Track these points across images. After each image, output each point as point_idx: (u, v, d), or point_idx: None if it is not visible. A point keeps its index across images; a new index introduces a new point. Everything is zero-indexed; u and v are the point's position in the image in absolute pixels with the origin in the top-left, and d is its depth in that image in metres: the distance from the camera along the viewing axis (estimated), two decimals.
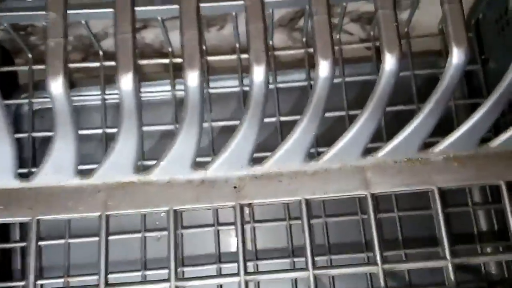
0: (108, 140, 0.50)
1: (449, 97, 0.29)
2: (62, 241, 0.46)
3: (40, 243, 0.50)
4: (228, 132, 0.40)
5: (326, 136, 0.37)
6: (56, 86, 0.27)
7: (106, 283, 0.31)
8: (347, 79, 0.49)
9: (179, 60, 0.52)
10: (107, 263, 0.31)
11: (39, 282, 0.45)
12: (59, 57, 0.28)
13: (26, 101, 0.53)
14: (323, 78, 0.27)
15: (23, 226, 0.55)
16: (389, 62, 0.27)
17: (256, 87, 0.28)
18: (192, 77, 0.27)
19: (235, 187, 0.33)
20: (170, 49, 0.49)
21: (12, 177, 0.32)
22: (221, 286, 0.41)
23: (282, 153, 0.32)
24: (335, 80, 0.48)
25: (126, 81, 0.27)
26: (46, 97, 0.53)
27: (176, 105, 0.49)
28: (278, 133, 0.46)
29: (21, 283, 0.47)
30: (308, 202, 0.32)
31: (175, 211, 0.32)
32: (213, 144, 0.46)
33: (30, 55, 0.53)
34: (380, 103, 0.29)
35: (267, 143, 0.39)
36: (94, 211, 0.32)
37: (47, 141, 0.51)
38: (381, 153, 0.32)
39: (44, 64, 0.52)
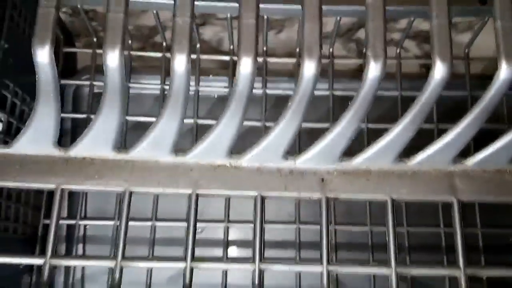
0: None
1: None
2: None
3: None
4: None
5: None
6: (180, 61, 0.28)
7: (193, 258, 0.32)
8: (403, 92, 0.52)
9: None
10: (194, 239, 0.32)
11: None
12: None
13: (87, 82, 0.55)
14: (439, 79, 0.28)
15: (72, 205, 0.57)
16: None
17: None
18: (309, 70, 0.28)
19: (322, 180, 0.33)
20: (231, 47, 0.51)
21: (111, 148, 0.33)
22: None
23: (374, 151, 0.33)
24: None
25: (246, 65, 0.28)
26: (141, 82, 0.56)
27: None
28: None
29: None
30: (394, 202, 0.33)
31: (262, 197, 0.33)
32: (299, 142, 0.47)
33: (95, 39, 0.55)
34: (484, 111, 0.30)
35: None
36: (185, 188, 0.33)
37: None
38: (471, 161, 0.33)
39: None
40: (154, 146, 0.33)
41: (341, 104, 0.53)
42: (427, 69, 0.58)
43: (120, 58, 0.28)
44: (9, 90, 0.47)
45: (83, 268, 0.55)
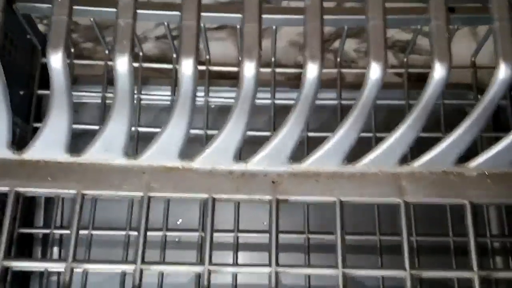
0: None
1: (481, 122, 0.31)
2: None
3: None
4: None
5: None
6: (122, 62, 0.29)
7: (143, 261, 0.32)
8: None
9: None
10: (145, 244, 0.33)
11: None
12: (127, 37, 0.29)
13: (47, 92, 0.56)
14: (375, 80, 0.28)
15: (47, 212, 0.57)
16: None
17: (308, 84, 0.29)
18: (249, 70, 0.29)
19: (273, 182, 0.34)
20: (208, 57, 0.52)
21: (64, 151, 0.34)
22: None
23: (322, 154, 0.34)
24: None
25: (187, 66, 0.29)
26: (84, 91, 0.57)
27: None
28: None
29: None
30: (342, 203, 0.33)
31: (214, 199, 0.34)
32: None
33: (72, 49, 0.55)
34: (422, 114, 0.30)
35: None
36: (137, 190, 0.34)
37: (83, 134, 0.54)
38: (417, 163, 0.33)
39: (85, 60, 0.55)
40: (106, 149, 0.34)
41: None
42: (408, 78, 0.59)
43: (63, 60, 0.29)
44: None
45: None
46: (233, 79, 0.60)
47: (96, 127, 0.53)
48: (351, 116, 0.31)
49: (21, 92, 0.55)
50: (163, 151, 0.34)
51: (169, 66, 0.55)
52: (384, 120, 0.54)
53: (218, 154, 0.34)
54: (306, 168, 0.34)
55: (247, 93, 0.30)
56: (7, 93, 0.31)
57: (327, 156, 0.34)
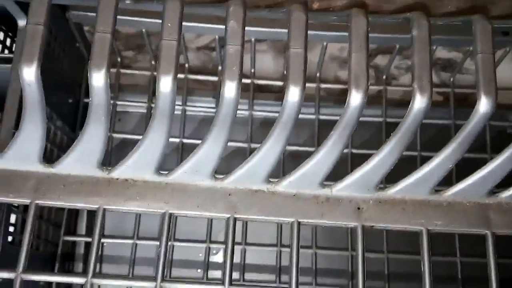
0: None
1: None
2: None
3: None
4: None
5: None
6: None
7: (231, 283, 0.32)
8: None
9: None
10: (232, 263, 0.33)
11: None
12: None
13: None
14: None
15: (89, 220, 0.58)
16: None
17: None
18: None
19: (358, 208, 0.34)
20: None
21: (153, 171, 0.34)
22: None
23: (410, 182, 0.34)
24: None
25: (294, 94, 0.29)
26: (129, 101, 0.57)
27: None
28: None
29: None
30: (429, 232, 0.33)
31: (299, 223, 0.34)
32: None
33: (119, 59, 0.56)
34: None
35: None
36: (224, 212, 0.34)
37: (123, 143, 0.55)
38: (505, 194, 0.33)
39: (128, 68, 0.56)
40: (195, 170, 0.34)
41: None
42: (445, 97, 0.59)
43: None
44: None
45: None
46: (272, 92, 0.61)
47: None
48: (451, 145, 0.31)
49: (70, 100, 0.55)
50: (250, 175, 0.34)
51: (214, 78, 0.57)
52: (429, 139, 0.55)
53: (305, 179, 0.34)
54: (392, 196, 0.34)
55: (350, 120, 0.30)
56: (109, 113, 0.31)
57: (416, 184, 0.34)
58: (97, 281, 0.32)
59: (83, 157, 0.33)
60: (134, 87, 0.59)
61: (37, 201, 0.33)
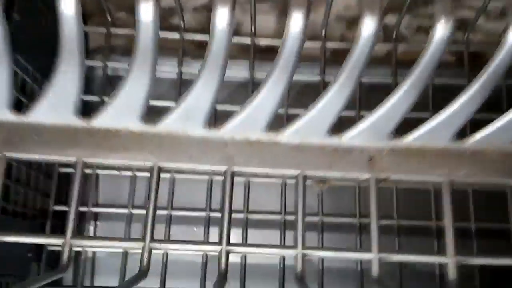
0: None
1: None
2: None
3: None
4: None
5: None
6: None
7: (228, 243, 0.28)
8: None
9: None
10: (230, 221, 0.29)
11: None
12: None
13: (100, 64, 0.52)
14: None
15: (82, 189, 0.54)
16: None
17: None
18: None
19: (370, 159, 0.30)
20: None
21: (138, 119, 0.30)
22: None
23: (429, 128, 0.30)
24: None
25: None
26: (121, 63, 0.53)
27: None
28: None
29: None
30: (452, 184, 0.29)
31: (305, 176, 0.30)
32: None
33: (109, 18, 0.52)
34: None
35: None
36: (219, 164, 0.30)
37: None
38: None
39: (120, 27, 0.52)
40: (186, 118, 0.30)
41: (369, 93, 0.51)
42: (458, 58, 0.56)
43: (155, 11, 0.25)
44: (19, 66, 0.44)
45: (93, 258, 0.52)
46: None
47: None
48: (474, 85, 0.27)
49: (55, 59, 0.51)
50: (248, 123, 0.30)
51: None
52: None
53: (310, 127, 0.30)
54: (408, 144, 0.30)
55: (361, 54, 0.26)
56: (83, 48, 0.27)
57: (435, 131, 0.30)
58: (77, 242, 0.28)
59: (57, 103, 0.29)
60: (127, 49, 0.55)
61: (7, 153, 0.29)
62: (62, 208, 0.52)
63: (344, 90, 0.28)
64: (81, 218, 0.53)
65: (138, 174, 0.51)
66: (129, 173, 0.51)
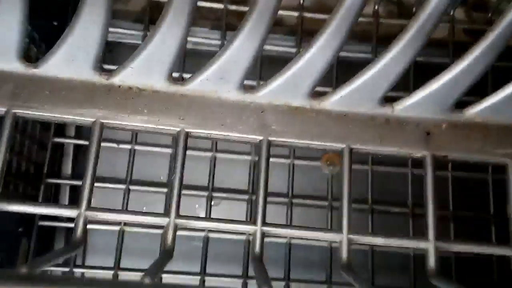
0: None
1: None
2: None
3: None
4: None
5: None
6: None
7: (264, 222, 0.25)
8: None
9: None
10: (265, 201, 0.26)
11: None
12: None
13: None
14: None
15: (77, 161, 0.51)
16: None
17: None
18: None
19: (428, 134, 0.27)
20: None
21: (165, 77, 0.26)
22: None
23: (494, 101, 0.26)
24: None
25: None
26: (122, 29, 0.49)
27: None
28: None
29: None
30: None
31: (351, 149, 0.26)
32: None
33: None
34: None
35: None
36: (255, 133, 0.27)
37: None
38: None
39: None
40: (219, 77, 0.26)
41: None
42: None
43: None
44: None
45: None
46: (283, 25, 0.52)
47: None
48: None
49: (55, 23, 0.47)
50: (290, 87, 0.26)
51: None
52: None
53: (360, 94, 0.26)
54: (471, 118, 0.27)
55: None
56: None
57: (501, 105, 0.26)
58: (91, 214, 0.24)
59: (75, 55, 0.25)
60: (128, 13, 0.51)
61: (14, 110, 0.25)
62: (56, 181, 0.48)
63: (406, 51, 0.24)
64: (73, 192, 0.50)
65: (137, 147, 0.48)
66: (127, 146, 0.47)
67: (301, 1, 0.47)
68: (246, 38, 0.25)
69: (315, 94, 0.27)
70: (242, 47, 0.25)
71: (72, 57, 0.25)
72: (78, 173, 0.51)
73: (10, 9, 0.24)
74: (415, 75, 0.40)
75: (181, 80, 0.27)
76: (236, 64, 0.26)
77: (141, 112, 0.26)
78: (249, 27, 0.24)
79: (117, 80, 0.26)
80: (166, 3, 0.23)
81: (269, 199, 0.26)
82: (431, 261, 0.24)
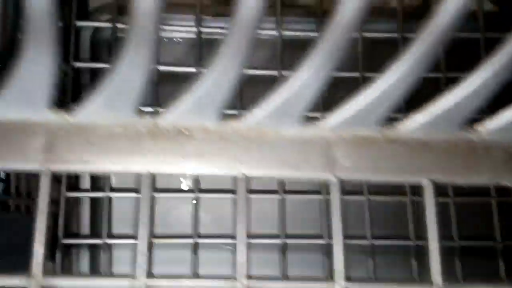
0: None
1: None
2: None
3: None
4: None
5: None
6: None
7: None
8: None
9: None
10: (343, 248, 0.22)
11: None
12: None
13: (108, 25, 0.45)
14: None
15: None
16: None
17: None
18: None
19: None
20: None
21: (218, 115, 0.23)
22: None
23: None
24: None
25: None
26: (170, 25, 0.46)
27: None
28: None
29: None
30: None
31: (434, 183, 0.23)
32: None
33: None
34: None
35: None
36: (322, 171, 0.23)
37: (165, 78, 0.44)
38: None
39: None
40: (279, 114, 0.23)
41: None
42: None
43: None
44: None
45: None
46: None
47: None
48: None
49: (60, 24, 0.44)
50: (361, 115, 0.23)
51: None
52: None
53: (443, 117, 0.23)
54: None
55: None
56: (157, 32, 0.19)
57: None
58: (154, 283, 0.22)
59: (117, 99, 0.22)
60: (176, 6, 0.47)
61: (50, 166, 0.22)
62: (73, 241, 0.45)
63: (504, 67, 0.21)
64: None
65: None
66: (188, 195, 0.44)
67: None
68: (313, 69, 0.21)
69: (387, 121, 0.24)
70: (308, 79, 0.22)
71: (113, 102, 0.22)
72: (97, 186, 0.48)
73: (40, 52, 0.21)
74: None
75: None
76: (299, 98, 0.22)
77: (193, 155, 0.23)
78: (316, 58, 0.21)
79: (163, 122, 0.23)
80: (222, 40, 0.20)
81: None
82: None
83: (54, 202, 0.43)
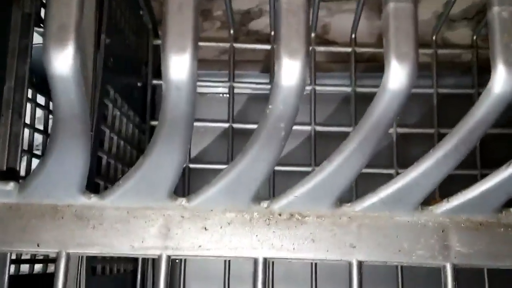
0: None
1: None
2: None
3: None
4: None
5: None
6: None
7: None
8: None
9: None
10: None
11: None
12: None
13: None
14: None
15: None
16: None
17: None
18: None
19: None
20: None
21: (332, 201, 0.23)
22: None
23: None
24: None
25: None
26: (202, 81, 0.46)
27: None
28: None
29: None
30: None
31: None
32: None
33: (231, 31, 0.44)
34: None
35: None
36: (437, 258, 0.23)
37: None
38: None
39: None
40: (395, 200, 0.23)
41: None
42: None
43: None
44: (109, 97, 0.37)
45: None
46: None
47: None
48: None
49: (139, 84, 0.44)
50: (479, 199, 0.23)
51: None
52: None
53: None
54: None
55: None
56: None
57: None
58: None
59: (235, 188, 0.22)
60: (205, 63, 0.48)
61: (169, 254, 0.23)
62: None
63: None
64: None
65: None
66: None
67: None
68: (436, 162, 0.21)
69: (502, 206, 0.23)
70: (428, 170, 0.21)
71: (230, 188, 0.22)
72: None
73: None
74: None
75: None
76: (417, 186, 0.22)
77: (306, 242, 0.23)
78: (440, 153, 0.21)
79: (277, 208, 0.23)
80: (353, 131, 0.20)
81: None
82: None
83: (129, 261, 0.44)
